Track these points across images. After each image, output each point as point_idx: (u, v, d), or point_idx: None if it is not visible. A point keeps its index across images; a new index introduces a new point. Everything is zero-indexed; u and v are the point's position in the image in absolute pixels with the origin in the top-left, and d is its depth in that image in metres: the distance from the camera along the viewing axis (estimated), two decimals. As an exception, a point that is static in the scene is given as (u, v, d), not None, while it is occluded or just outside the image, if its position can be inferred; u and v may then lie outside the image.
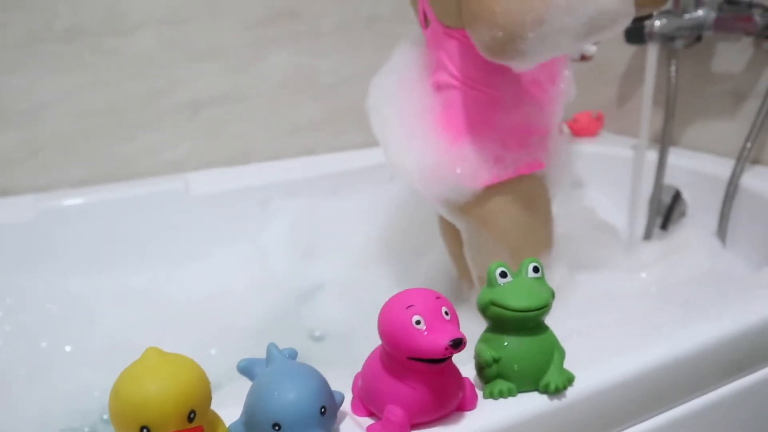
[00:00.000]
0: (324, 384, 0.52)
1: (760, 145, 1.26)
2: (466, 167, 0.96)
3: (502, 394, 0.57)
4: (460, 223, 1.03)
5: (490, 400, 0.57)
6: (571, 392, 0.59)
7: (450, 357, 0.51)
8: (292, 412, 0.49)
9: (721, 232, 1.26)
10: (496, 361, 0.57)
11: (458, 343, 0.49)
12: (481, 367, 0.59)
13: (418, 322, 0.50)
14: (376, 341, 0.55)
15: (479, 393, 0.58)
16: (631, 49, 1.48)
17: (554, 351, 0.59)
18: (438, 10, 0.95)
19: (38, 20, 1.24)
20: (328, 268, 1.33)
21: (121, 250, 1.24)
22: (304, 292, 1.30)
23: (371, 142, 1.51)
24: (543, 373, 0.58)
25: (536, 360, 0.58)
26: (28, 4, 1.23)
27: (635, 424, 0.66)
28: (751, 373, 0.75)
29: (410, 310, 0.50)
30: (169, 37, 1.34)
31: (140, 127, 1.36)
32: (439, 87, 1.00)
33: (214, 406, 0.54)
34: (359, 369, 0.58)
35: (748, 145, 1.22)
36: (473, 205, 0.99)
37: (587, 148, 1.50)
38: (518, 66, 0.87)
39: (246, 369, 0.56)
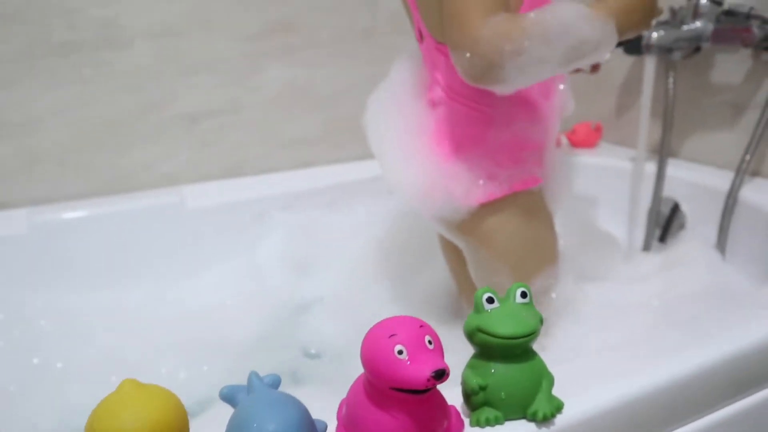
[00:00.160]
0: (305, 414, 0.51)
1: (760, 157, 1.25)
2: (459, 185, 0.96)
3: (489, 423, 0.56)
4: (459, 241, 1.02)
5: (477, 429, 0.56)
6: (560, 420, 0.58)
7: (433, 387, 0.50)
8: (272, 444, 0.48)
9: (721, 244, 1.25)
10: (482, 388, 0.56)
11: (441, 374, 0.48)
12: (467, 395, 0.58)
13: (400, 352, 0.49)
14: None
15: (466, 420, 0.57)
16: (629, 59, 1.47)
17: (542, 378, 0.57)
18: (430, 26, 0.95)
19: (35, 34, 1.25)
20: (325, 283, 1.32)
21: (115, 265, 1.23)
22: (299, 307, 1.29)
23: (367, 155, 1.50)
24: (531, 400, 0.57)
25: (524, 387, 0.56)
26: (25, 18, 1.23)
27: (627, 450, 0.65)
28: (748, 396, 0.73)
29: (392, 340, 0.49)
30: (165, 50, 1.34)
31: (136, 140, 1.35)
32: (433, 104, 0.99)
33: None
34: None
35: (747, 157, 1.20)
36: (470, 223, 0.98)
37: (586, 159, 1.49)
38: (499, 90, 0.86)
39: (228, 396, 0.55)
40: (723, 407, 0.72)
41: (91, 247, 1.22)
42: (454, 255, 1.14)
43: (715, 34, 1.22)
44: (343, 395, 0.59)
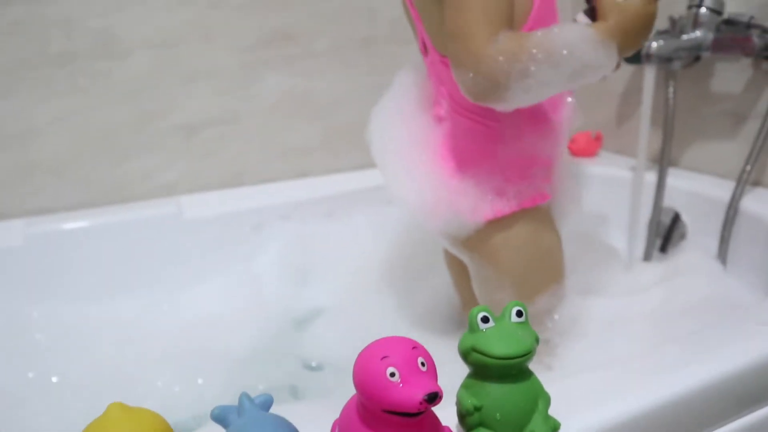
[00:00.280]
0: (295, 437, 0.50)
1: (761, 167, 1.24)
2: (466, 201, 0.94)
3: (484, 444, 0.55)
4: (464, 256, 1.01)
5: (472, 450, 0.55)
6: (556, 440, 0.57)
7: (426, 410, 0.49)
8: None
9: (722, 255, 1.24)
10: (477, 409, 0.55)
11: (433, 398, 0.47)
12: (462, 415, 0.57)
13: (392, 375, 0.48)
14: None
15: (461, 441, 0.56)
16: (629, 68, 1.47)
17: (539, 398, 0.56)
18: (434, 40, 0.93)
19: (31, 45, 1.24)
20: (325, 293, 1.31)
21: (112, 276, 1.22)
22: (299, 318, 1.28)
23: (367, 164, 1.50)
24: (527, 421, 0.55)
25: (520, 408, 0.55)
26: (21, 28, 1.23)
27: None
28: (748, 414, 0.72)
29: (384, 362, 0.48)
30: (163, 60, 1.33)
31: (134, 151, 1.35)
32: (439, 118, 0.98)
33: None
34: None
35: (748, 167, 1.20)
36: (476, 239, 0.96)
37: (586, 168, 1.48)
38: (500, 108, 0.86)
39: (219, 417, 0.54)
40: (723, 425, 0.71)
41: (87, 259, 1.21)
42: (458, 269, 1.13)
43: (715, 43, 1.21)
44: (344, 409, 0.58)
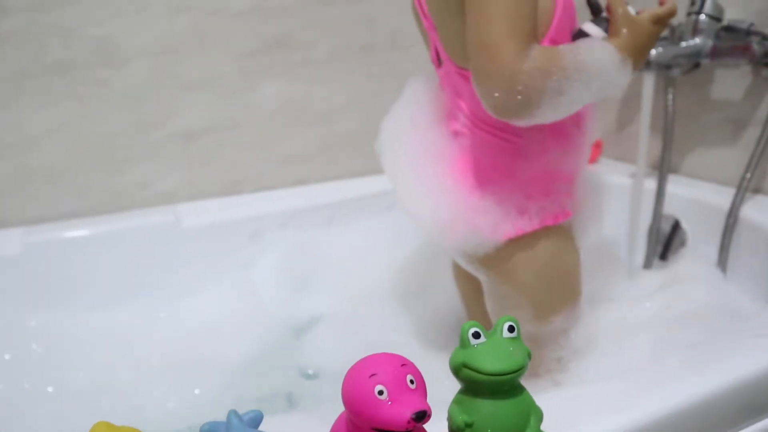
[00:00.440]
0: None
1: (761, 174, 1.23)
2: (486, 219, 0.91)
3: (475, 460, 0.54)
4: (480, 274, 0.98)
5: (463, 467, 0.55)
6: (549, 457, 0.56)
7: (414, 429, 0.48)
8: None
9: (722, 263, 1.23)
10: (468, 425, 0.54)
11: (422, 416, 0.47)
12: (453, 431, 0.56)
13: (380, 393, 0.48)
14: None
15: (452, 458, 0.55)
16: (629, 74, 1.46)
17: (531, 413, 0.56)
18: (452, 51, 0.90)
19: (29, 54, 1.25)
20: (324, 302, 1.31)
21: (109, 285, 1.22)
22: (297, 327, 1.27)
23: (365, 171, 1.51)
24: (519, 437, 0.55)
25: (511, 424, 0.55)
26: (19, 37, 1.23)
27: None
28: (747, 426, 0.72)
29: (373, 380, 0.48)
30: (161, 68, 1.34)
31: (132, 159, 1.35)
32: (455, 132, 0.95)
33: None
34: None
35: (748, 175, 1.19)
36: (494, 257, 0.93)
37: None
38: (522, 124, 0.82)
39: (208, 434, 0.54)
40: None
41: (85, 267, 1.21)
42: (469, 285, 1.10)
43: (714, 50, 1.21)
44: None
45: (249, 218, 1.34)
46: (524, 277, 0.94)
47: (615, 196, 1.42)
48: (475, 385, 0.55)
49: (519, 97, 0.75)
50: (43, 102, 1.27)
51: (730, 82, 1.27)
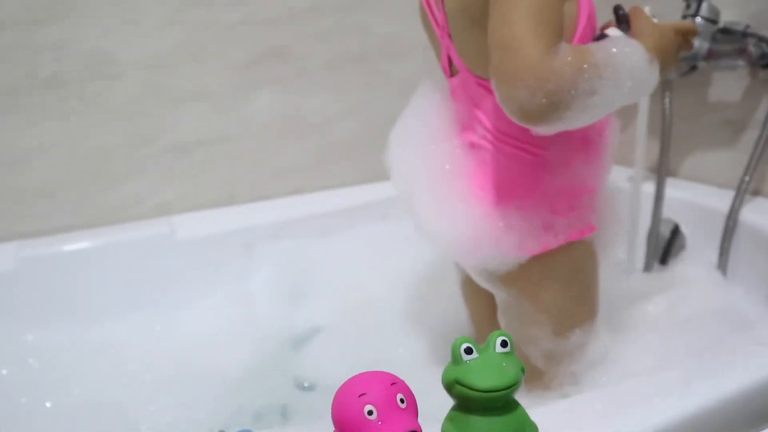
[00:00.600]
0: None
1: (760, 176, 1.22)
2: (510, 236, 0.87)
3: (469, 478, 0.53)
4: (499, 292, 0.94)
5: (457, 485, 0.54)
6: (545, 473, 0.56)
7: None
8: None
9: (722, 265, 1.22)
10: (462, 443, 0.53)
11: (412, 437, 0.46)
12: (447, 449, 0.55)
13: (370, 413, 0.47)
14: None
15: (446, 476, 0.55)
16: (625, 78, 1.45)
17: (525, 429, 0.55)
18: (470, 60, 0.86)
19: (22, 69, 1.25)
20: (320, 313, 1.30)
21: (105, 299, 1.22)
22: (293, 338, 1.26)
23: (360, 180, 1.50)
24: (514, 454, 0.54)
25: (506, 440, 0.54)
26: (11, 53, 1.23)
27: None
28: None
29: (362, 399, 0.47)
30: (154, 81, 1.33)
31: (126, 173, 1.35)
32: (472, 145, 0.91)
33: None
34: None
35: (747, 178, 1.18)
36: (517, 275, 0.89)
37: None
38: (542, 131, 0.76)
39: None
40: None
41: (80, 281, 1.21)
42: (479, 303, 1.07)
43: (711, 52, 1.20)
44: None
45: (244, 229, 1.34)
46: (546, 294, 0.91)
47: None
48: (468, 401, 0.54)
49: (548, 98, 0.69)
50: (37, 117, 1.26)
51: (728, 84, 1.27)
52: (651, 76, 0.79)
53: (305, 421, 1.03)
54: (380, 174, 1.46)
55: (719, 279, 1.22)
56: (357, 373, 0.52)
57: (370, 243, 1.36)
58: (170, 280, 1.26)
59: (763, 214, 1.18)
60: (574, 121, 0.74)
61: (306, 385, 1.17)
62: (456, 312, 1.17)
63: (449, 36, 0.88)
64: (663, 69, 0.82)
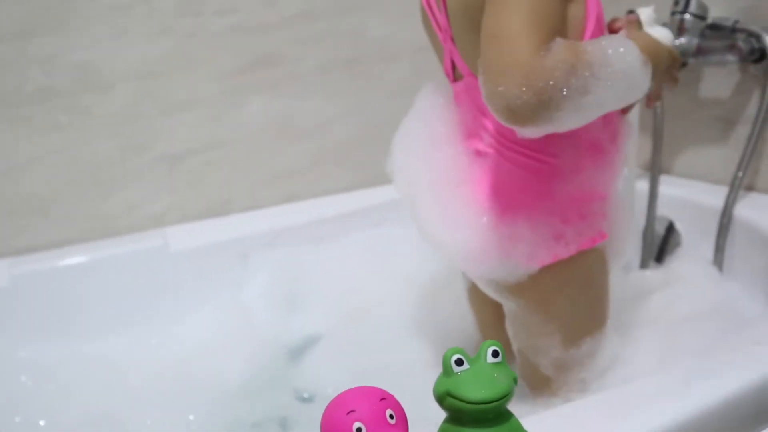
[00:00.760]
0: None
1: (753, 172, 1.22)
2: (519, 246, 0.85)
3: (463, 491, 0.53)
4: (508, 302, 0.92)
5: (451, 498, 0.53)
6: (540, 483, 0.55)
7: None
8: None
9: (718, 261, 1.22)
10: (454, 456, 0.53)
11: (402, 453, 0.45)
12: (440, 462, 0.55)
13: (359, 430, 0.46)
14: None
15: (440, 489, 0.54)
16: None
17: (519, 440, 0.54)
18: (474, 65, 0.82)
19: (9, 83, 1.24)
20: (318, 322, 1.28)
21: (98, 314, 1.21)
22: (292, 349, 1.25)
23: (354, 186, 1.50)
24: (507, 465, 0.53)
25: (499, 452, 0.53)
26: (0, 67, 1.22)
27: None
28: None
29: (351, 417, 0.47)
30: (144, 91, 1.32)
31: (118, 184, 1.34)
32: (477, 152, 0.88)
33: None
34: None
35: (740, 174, 1.18)
36: (526, 285, 0.87)
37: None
38: (530, 134, 0.73)
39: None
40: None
41: (73, 297, 1.20)
42: (486, 311, 1.06)
43: (700, 49, 1.20)
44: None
45: (239, 238, 1.33)
46: (556, 304, 0.90)
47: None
48: (460, 414, 0.53)
49: (537, 96, 0.65)
50: (27, 131, 1.26)
51: (719, 80, 1.26)
52: (644, 77, 0.76)
53: (308, 432, 1.02)
54: (375, 178, 1.47)
55: (716, 275, 1.22)
56: (347, 388, 0.52)
57: (366, 248, 1.35)
58: (166, 293, 1.26)
59: (757, 209, 1.18)
60: (564, 123, 0.70)
61: (305, 396, 1.16)
62: (462, 317, 1.16)
63: (452, 40, 0.86)
64: (656, 72, 0.80)
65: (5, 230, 1.26)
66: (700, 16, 1.19)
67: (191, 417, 1.08)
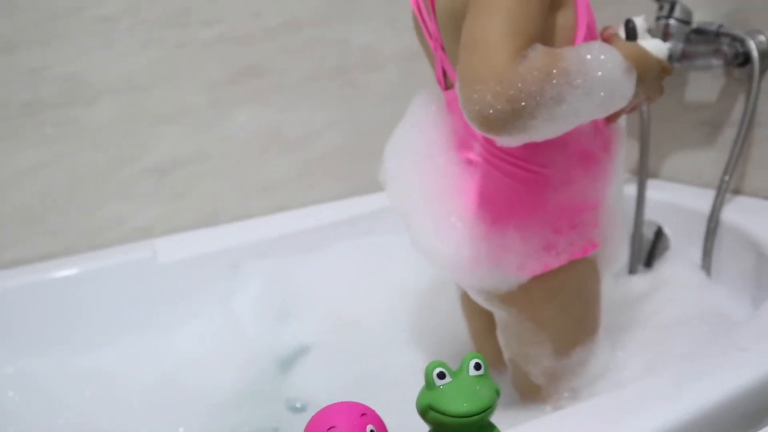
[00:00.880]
0: None
1: (739, 175, 1.23)
2: (510, 256, 0.84)
3: (446, 504, 0.53)
4: (499, 311, 0.92)
5: None
6: (524, 496, 0.55)
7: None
8: None
9: (706, 265, 1.22)
10: (437, 469, 0.53)
11: (383, 469, 0.45)
12: (423, 476, 0.55)
13: (340, 446, 0.46)
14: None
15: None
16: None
17: (503, 452, 0.55)
18: None
19: (-3, 95, 1.23)
20: (310, 331, 1.28)
21: (86, 327, 1.20)
22: (284, 359, 1.25)
23: (344, 194, 1.50)
24: (491, 478, 0.54)
25: (482, 465, 0.54)
26: (-16, 81, 1.22)
27: None
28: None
29: (332, 433, 0.47)
30: (131, 103, 1.33)
31: (106, 196, 1.34)
32: (469, 162, 0.88)
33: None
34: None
35: (726, 177, 1.18)
36: (517, 295, 0.87)
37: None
38: (503, 142, 0.71)
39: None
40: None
41: (61, 310, 1.19)
42: (479, 318, 1.05)
43: (685, 53, 1.20)
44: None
45: (228, 249, 1.32)
46: (548, 313, 0.90)
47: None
48: (443, 427, 0.54)
49: (510, 103, 0.64)
50: (13, 144, 1.25)
51: (704, 84, 1.27)
52: (626, 85, 0.73)
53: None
54: (364, 186, 1.47)
55: (703, 279, 1.22)
56: (334, 402, 0.52)
57: (356, 257, 1.35)
58: (156, 304, 1.25)
59: (744, 212, 1.18)
60: (539, 132, 0.68)
61: (297, 405, 1.15)
62: (455, 325, 1.16)
63: (442, 48, 0.86)
64: (641, 80, 0.78)
65: (-8, 243, 1.26)
66: (685, 21, 1.20)
67: (181, 429, 1.08)
